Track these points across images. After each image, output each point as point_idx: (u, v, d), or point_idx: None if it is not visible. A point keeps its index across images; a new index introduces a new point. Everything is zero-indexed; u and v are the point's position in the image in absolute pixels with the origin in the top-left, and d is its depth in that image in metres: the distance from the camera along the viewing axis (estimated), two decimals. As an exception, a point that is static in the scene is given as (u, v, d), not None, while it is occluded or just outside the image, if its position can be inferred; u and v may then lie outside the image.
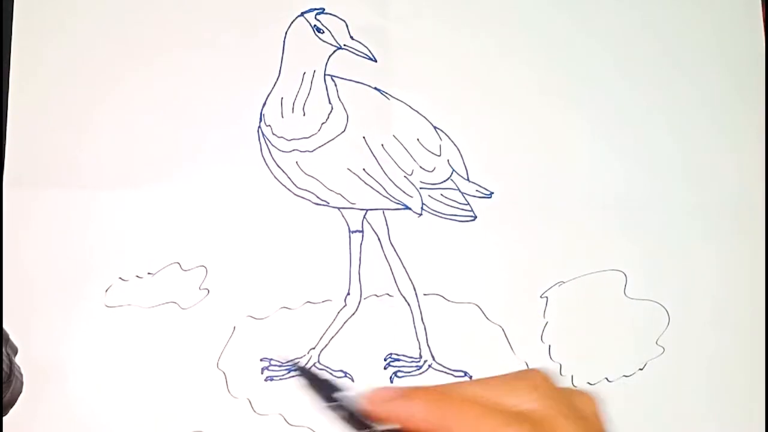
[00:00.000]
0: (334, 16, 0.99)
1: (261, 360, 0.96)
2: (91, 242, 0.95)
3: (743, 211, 1.00)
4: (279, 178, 0.97)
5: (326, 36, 0.99)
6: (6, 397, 0.82)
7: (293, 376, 0.96)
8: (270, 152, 0.97)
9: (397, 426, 0.50)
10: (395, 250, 0.98)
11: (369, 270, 0.97)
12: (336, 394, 0.53)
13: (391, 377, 0.96)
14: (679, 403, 0.97)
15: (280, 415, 0.95)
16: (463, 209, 0.98)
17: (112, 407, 0.94)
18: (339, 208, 0.98)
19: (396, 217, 0.98)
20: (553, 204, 0.99)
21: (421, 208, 0.98)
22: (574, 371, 0.97)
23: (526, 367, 0.97)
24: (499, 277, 0.98)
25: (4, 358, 0.81)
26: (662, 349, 0.98)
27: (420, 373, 0.97)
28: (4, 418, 0.85)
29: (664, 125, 1.01)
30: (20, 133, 0.96)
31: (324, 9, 1.00)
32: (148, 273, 0.96)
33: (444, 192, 0.98)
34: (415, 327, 0.97)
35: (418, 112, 0.99)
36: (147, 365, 0.95)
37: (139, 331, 0.95)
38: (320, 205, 0.97)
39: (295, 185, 0.97)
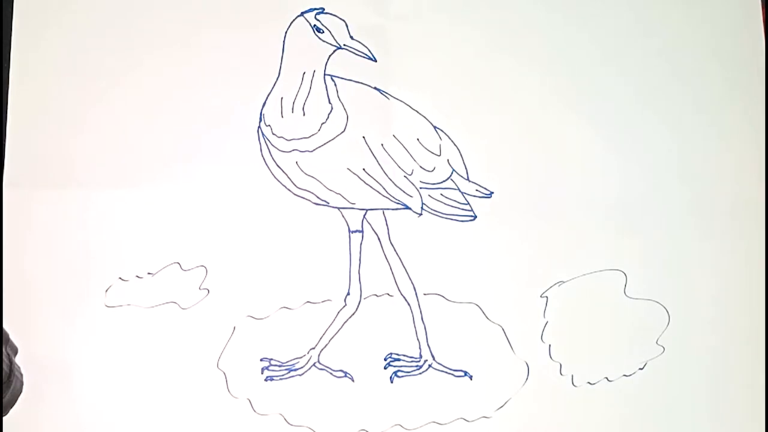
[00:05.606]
0: (334, 15, 0.99)
1: (261, 360, 0.96)
2: (91, 242, 0.95)
3: (743, 211, 1.00)
4: (279, 178, 0.97)
5: (326, 36, 0.99)
6: (6, 397, 0.82)
7: (293, 376, 0.96)
8: (270, 152, 0.97)
9: None
10: (395, 250, 0.98)
11: (369, 270, 0.97)
12: None
13: (391, 377, 0.96)
14: (679, 403, 0.97)
15: (280, 415, 0.95)
16: (463, 209, 0.98)
17: (113, 407, 0.94)
18: (339, 208, 0.98)
19: (396, 217, 0.98)
20: (553, 204, 0.99)
21: (421, 207, 0.98)
22: (574, 371, 0.97)
23: (526, 367, 0.97)
24: (499, 277, 0.98)
25: (4, 358, 0.81)
26: (662, 349, 0.98)
27: (420, 373, 0.97)
28: (4, 418, 0.85)
29: (664, 126, 1.01)
30: (20, 135, 0.96)
31: (324, 9, 1.00)
32: (148, 273, 0.96)
33: (444, 192, 0.98)
34: (415, 327, 0.97)
35: (418, 112, 0.99)
36: (147, 365, 0.95)
37: (139, 331, 0.95)
38: (320, 205, 0.97)
39: (295, 185, 0.97)
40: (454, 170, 0.99)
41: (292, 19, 0.99)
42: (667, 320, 0.98)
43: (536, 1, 1.01)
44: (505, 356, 0.97)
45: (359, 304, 0.97)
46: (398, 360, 0.97)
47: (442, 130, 0.99)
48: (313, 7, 0.99)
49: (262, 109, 0.98)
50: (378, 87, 0.99)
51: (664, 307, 0.98)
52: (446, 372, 0.97)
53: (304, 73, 0.98)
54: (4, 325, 0.85)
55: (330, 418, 0.95)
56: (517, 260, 0.98)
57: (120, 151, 0.97)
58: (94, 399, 0.94)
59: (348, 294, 0.97)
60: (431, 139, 0.99)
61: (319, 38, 0.99)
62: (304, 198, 0.97)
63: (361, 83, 0.99)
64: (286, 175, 0.97)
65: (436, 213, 0.98)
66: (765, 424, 0.97)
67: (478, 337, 0.97)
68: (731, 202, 1.00)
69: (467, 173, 0.99)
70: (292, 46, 0.99)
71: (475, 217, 0.98)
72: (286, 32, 0.99)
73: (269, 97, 0.98)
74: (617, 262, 0.99)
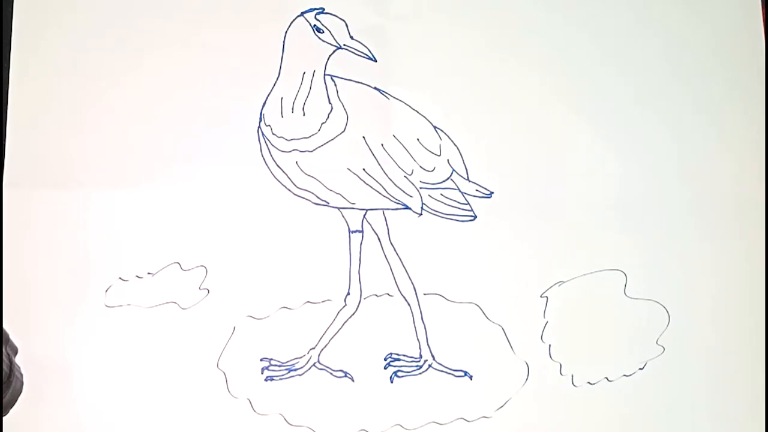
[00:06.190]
0: (334, 15, 0.99)
1: (261, 360, 0.96)
2: (91, 242, 0.95)
3: (743, 210, 1.00)
4: (279, 178, 0.97)
5: (326, 36, 0.99)
6: (6, 397, 0.82)
7: (293, 376, 0.96)
8: (270, 152, 0.97)
9: None
10: (395, 250, 0.98)
11: (369, 270, 0.97)
12: None
13: (391, 377, 0.96)
14: (679, 403, 0.97)
15: (280, 415, 0.95)
16: (463, 209, 0.98)
17: (113, 407, 0.94)
18: (339, 208, 0.98)
19: (396, 217, 0.98)
20: (553, 204, 0.99)
21: (421, 207, 0.98)
22: (574, 371, 0.97)
23: (526, 367, 0.97)
24: (499, 277, 0.98)
25: (4, 358, 0.81)
26: (662, 349, 0.98)
27: (420, 373, 0.97)
28: (4, 418, 0.85)
29: (664, 126, 1.01)
30: (20, 135, 0.96)
31: (324, 9, 1.00)
32: (148, 273, 0.96)
33: (444, 192, 0.98)
34: (415, 327, 0.97)
35: (418, 112, 0.99)
36: (147, 365, 0.95)
37: (139, 331, 0.95)
38: (320, 205, 0.97)
39: (295, 185, 0.97)
40: (454, 170, 0.99)
41: (292, 19, 0.99)
42: (667, 320, 0.98)
43: (536, 1, 1.01)
44: (505, 356, 0.97)
45: (359, 304, 0.97)
46: (398, 360, 0.97)
47: (442, 130, 0.99)
48: (313, 7, 0.99)
49: (262, 109, 0.98)
50: (378, 87, 0.99)
51: (664, 307, 0.98)
52: (446, 372, 0.97)
53: (304, 73, 0.98)
54: (4, 325, 0.85)
55: (330, 418, 0.95)
56: (517, 260, 0.98)
57: (120, 151, 0.97)
58: (94, 399, 0.94)
59: (348, 294, 0.97)
60: (431, 139, 0.99)
61: (319, 38, 0.99)
62: (304, 198, 0.97)
63: (361, 83, 0.99)
64: (286, 175, 0.97)
65: (436, 213, 0.98)
66: (765, 424, 0.97)
67: (478, 337, 0.97)
68: (731, 202, 1.00)
69: (467, 173, 0.99)
70: (292, 46, 0.99)
71: (475, 217, 0.98)
72: (286, 32, 0.99)
73: (269, 97, 0.98)
74: (617, 262, 0.99)
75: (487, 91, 1.00)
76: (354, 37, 0.99)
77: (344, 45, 0.99)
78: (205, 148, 0.97)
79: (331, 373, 0.96)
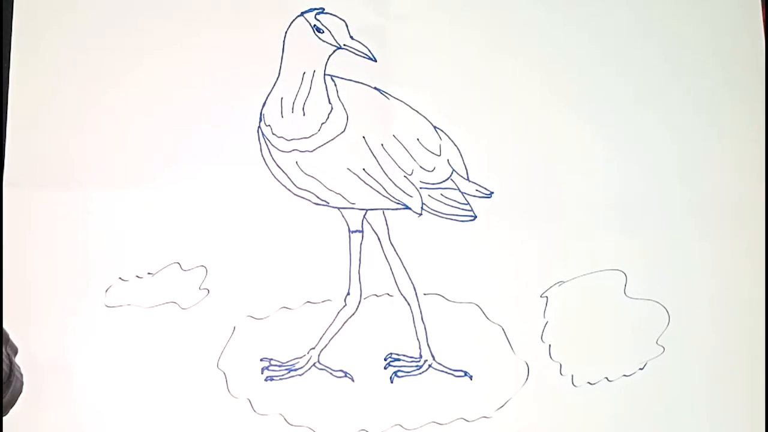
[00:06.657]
0: (334, 15, 0.99)
1: (261, 360, 0.96)
2: (91, 242, 0.95)
3: (743, 211, 1.00)
4: (279, 178, 0.97)
5: (326, 36, 0.99)
6: (6, 397, 0.82)
7: (293, 376, 0.96)
8: (270, 152, 0.97)
9: None
10: (395, 250, 0.98)
11: (369, 270, 0.97)
12: None
13: (391, 377, 0.96)
14: (679, 403, 0.97)
15: (280, 415, 0.95)
16: (463, 209, 0.98)
17: (113, 407, 0.94)
18: (339, 208, 0.98)
19: (396, 217, 0.98)
20: (553, 204, 0.99)
21: (421, 207, 0.98)
22: (574, 371, 0.97)
23: (526, 367, 0.97)
24: (499, 277, 0.98)
25: (4, 358, 0.81)
26: (662, 349, 0.98)
27: (420, 373, 0.97)
28: (4, 418, 0.85)
29: (664, 126, 1.01)
30: (20, 135, 0.96)
31: (324, 9, 1.00)
32: (148, 273, 0.96)
33: (444, 192, 0.98)
34: (415, 327, 0.97)
35: (418, 112, 0.99)
36: (147, 365, 0.95)
37: (139, 331, 0.95)
38: (320, 205, 0.97)
39: (295, 185, 0.97)
40: (454, 170, 0.99)
41: (292, 19, 0.99)
42: (667, 320, 0.98)
43: (536, 1, 1.01)
44: (505, 356, 0.97)
45: (359, 304, 0.97)
46: (398, 360, 0.97)
47: (442, 130, 0.99)
48: (313, 7, 0.99)
49: (262, 109, 0.98)
50: (378, 87, 0.99)
51: (664, 307, 0.98)
52: (446, 372, 0.97)
53: (304, 73, 0.98)
54: (4, 325, 0.85)
55: (330, 418, 0.95)
56: (517, 260, 0.98)
57: (120, 151, 0.97)
58: (94, 399, 0.94)
59: (348, 294, 0.97)
60: (431, 139, 0.99)
61: (319, 38, 0.99)
62: (304, 198, 0.97)
63: (361, 83, 0.99)
64: (286, 175, 0.97)
65: (436, 213, 0.98)
66: (765, 424, 0.97)
67: (478, 337, 0.97)
68: (731, 202, 1.00)
69: (467, 173, 0.99)
70: (292, 46, 0.99)
71: (475, 217, 0.98)
72: (286, 32, 0.99)
73: (269, 97, 0.98)
74: (617, 262, 0.99)
75: (487, 91, 1.00)
76: (354, 37, 0.99)
77: (344, 45, 0.99)
78: (205, 148, 0.97)
79: (331, 373, 0.96)
